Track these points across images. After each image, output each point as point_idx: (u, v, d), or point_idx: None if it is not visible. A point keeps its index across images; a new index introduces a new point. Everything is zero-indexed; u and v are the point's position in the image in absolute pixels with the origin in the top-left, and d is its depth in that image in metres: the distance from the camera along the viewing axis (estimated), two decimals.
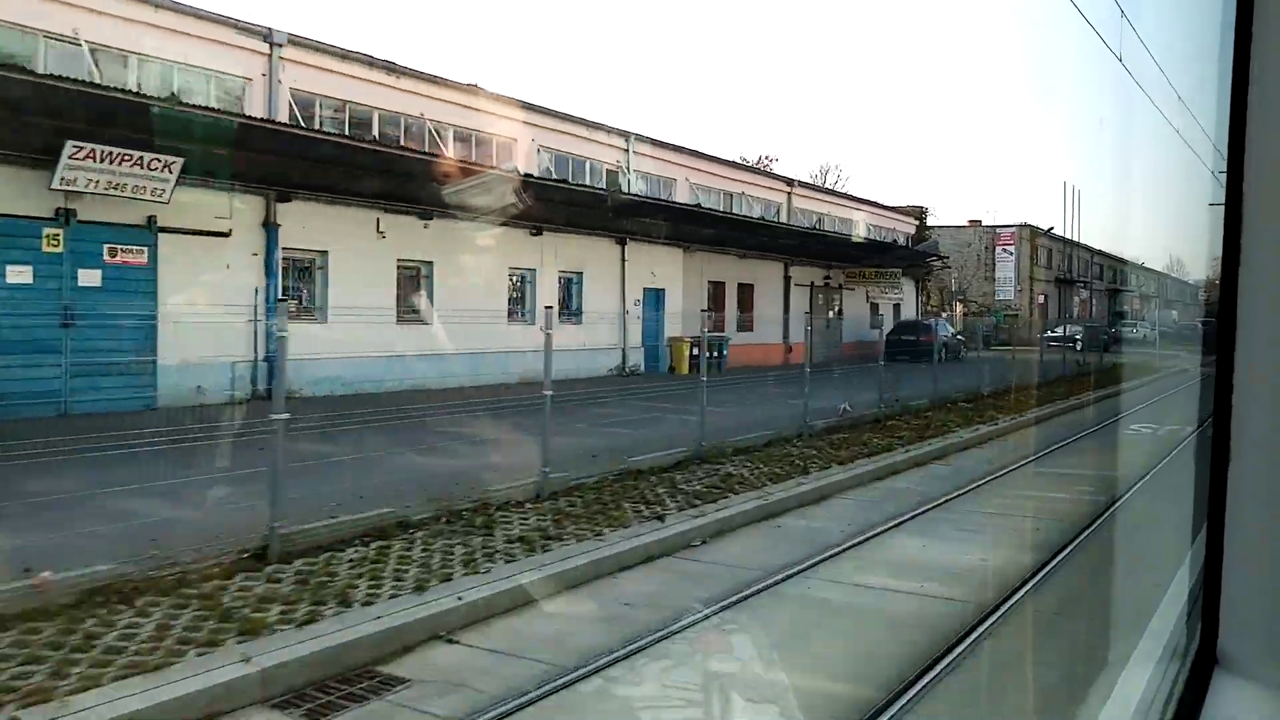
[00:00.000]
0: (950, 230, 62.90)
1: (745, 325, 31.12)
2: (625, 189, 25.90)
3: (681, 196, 28.03)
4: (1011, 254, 61.28)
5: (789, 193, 34.50)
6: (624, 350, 25.51)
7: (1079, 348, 36.27)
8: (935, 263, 43.01)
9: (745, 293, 31.81)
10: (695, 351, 27.93)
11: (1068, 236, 65.68)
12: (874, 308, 40.39)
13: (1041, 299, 62.53)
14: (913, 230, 43.82)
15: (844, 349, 37.36)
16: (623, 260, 25.46)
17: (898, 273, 36.38)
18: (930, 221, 63.32)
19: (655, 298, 27.23)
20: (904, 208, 44.52)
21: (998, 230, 61.75)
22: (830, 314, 36.72)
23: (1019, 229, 61.38)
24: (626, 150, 26.40)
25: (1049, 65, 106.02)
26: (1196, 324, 63.40)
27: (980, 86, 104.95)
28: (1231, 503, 1.27)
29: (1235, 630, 1.30)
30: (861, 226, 39.94)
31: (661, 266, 27.07)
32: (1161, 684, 1.63)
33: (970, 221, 64.30)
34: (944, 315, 46.63)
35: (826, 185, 55.73)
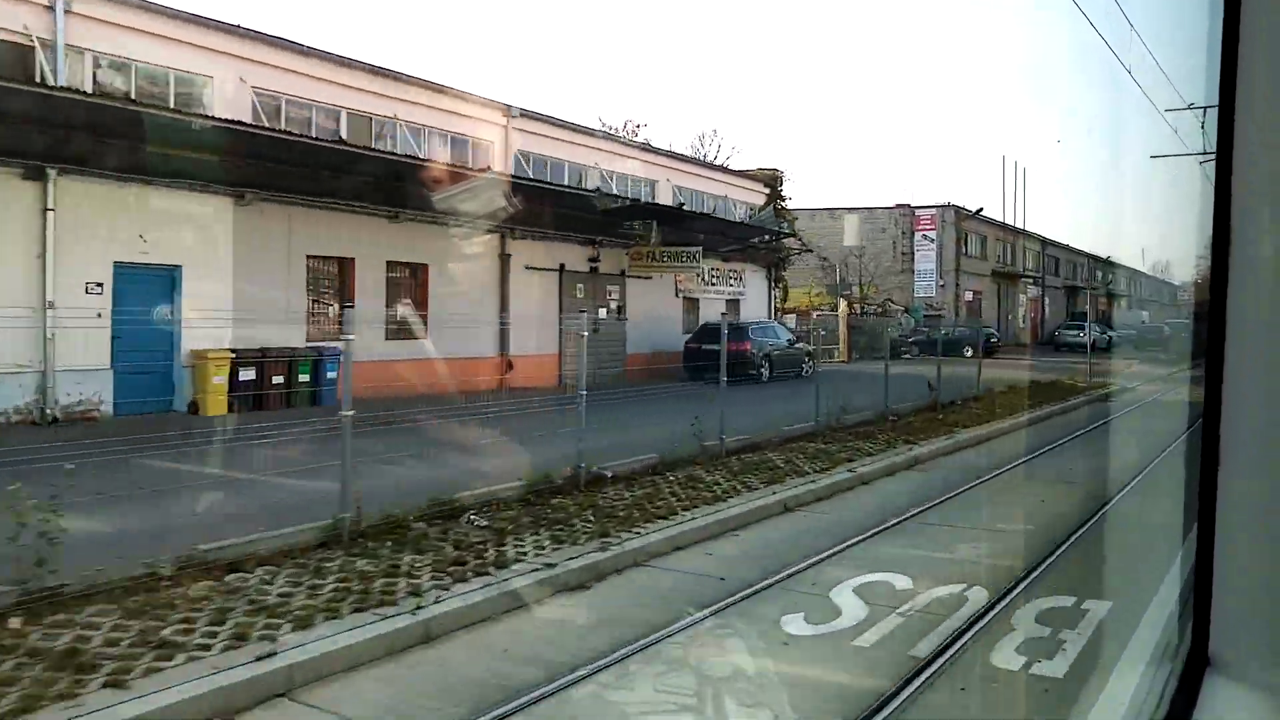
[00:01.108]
0: (863, 213, 51.66)
1: (403, 331, 19.50)
2: (53, 79, 14.25)
3: (231, 110, 16.49)
4: (933, 240, 49.86)
5: (505, 127, 22.65)
6: (46, 376, 13.93)
7: (964, 353, 24.75)
8: (792, 243, 31.47)
9: (413, 277, 20.24)
10: (247, 376, 16.47)
11: (1009, 223, 54.64)
12: (690, 304, 28.91)
13: (970, 295, 51.08)
14: (761, 201, 32.18)
15: (632, 362, 25.95)
16: (45, 209, 13.91)
17: (697, 252, 24.86)
18: (851, 204, 52.17)
19: (165, 283, 15.69)
20: (751, 171, 32.88)
21: (916, 212, 50.33)
22: (604, 312, 25.18)
23: (941, 210, 49.98)
24: (52, 7, 14.63)
25: (1000, 25, 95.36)
26: (1164, 326, 52.71)
27: (918, 49, 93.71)
28: (1222, 503, 1.25)
29: (1227, 631, 1.28)
30: (666, 190, 28.29)
31: (170, 227, 15.50)
32: (1153, 685, 1.60)
33: (897, 205, 53.03)
34: (816, 314, 35.10)
35: (705, 158, 44.15)
